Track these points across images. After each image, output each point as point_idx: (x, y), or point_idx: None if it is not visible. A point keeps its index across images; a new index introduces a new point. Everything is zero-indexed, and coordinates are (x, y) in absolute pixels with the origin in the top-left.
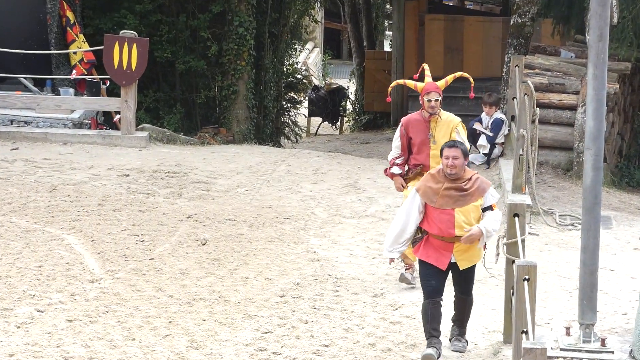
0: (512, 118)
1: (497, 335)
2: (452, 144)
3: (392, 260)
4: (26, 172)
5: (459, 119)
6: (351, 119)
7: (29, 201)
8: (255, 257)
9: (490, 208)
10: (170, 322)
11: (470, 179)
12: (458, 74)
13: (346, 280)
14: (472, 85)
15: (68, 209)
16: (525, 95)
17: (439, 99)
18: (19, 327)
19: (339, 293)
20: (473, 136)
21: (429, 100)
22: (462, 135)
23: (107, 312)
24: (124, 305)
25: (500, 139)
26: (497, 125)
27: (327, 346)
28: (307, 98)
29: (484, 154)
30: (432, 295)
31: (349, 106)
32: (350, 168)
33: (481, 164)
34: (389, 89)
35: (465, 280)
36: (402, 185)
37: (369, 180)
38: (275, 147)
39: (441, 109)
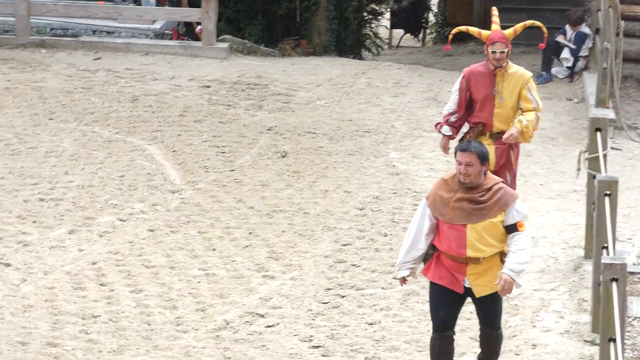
0: (597, 31)
1: (578, 250)
2: (465, 146)
3: (403, 280)
4: (108, 82)
5: (530, 74)
6: (433, 31)
7: (111, 111)
8: (334, 170)
9: (514, 228)
10: (250, 233)
11: (490, 188)
12: (529, 22)
13: (425, 194)
14: (545, 35)
15: (149, 119)
16: (610, 8)
17: (505, 50)
18: (101, 236)
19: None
20: (556, 49)
21: (494, 52)
22: (533, 94)
23: (188, 222)
24: (204, 216)
25: (584, 52)
26: (580, 38)
27: None
28: (389, 9)
29: (567, 67)
30: (441, 328)
31: (431, 18)
32: (431, 81)
33: (564, 77)
34: (450, 36)
35: (488, 311)
36: (447, 148)
37: (450, 94)
38: (356, 59)
39: (509, 62)
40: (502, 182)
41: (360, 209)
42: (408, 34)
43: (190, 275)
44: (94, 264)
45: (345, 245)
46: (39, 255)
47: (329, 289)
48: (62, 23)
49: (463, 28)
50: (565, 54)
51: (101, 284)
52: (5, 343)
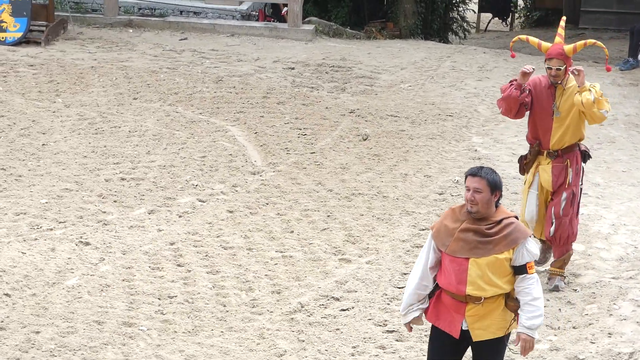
0: None
1: None
2: (476, 171)
3: (409, 327)
4: (193, 62)
5: (593, 84)
6: (522, 15)
7: (195, 92)
8: (415, 153)
9: (524, 269)
10: (328, 216)
11: (499, 222)
12: (590, 41)
13: (507, 180)
14: (607, 57)
15: (233, 100)
16: None
17: (562, 67)
18: (180, 217)
19: None
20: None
21: (549, 68)
22: (594, 93)
23: (267, 204)
24: (284, 198)
25: None
26: None
27: None
28: None
29: None
30: None
31: (520, 2)
32: (516, 65)
33: None
34: (511, 44)
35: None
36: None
37: None
38: (442, 42)
39: (571, 76)
40: (515, 217)
41: (440, 194)
42: (496, 18)
43: (267, 257)
44: (172, 244)
45: (423, 230)
46: (118, 234)
47: (405, 274)
48: (150, 3)
49: (523, 37)
50: None
51: (178, 265)
52: (82, 322)
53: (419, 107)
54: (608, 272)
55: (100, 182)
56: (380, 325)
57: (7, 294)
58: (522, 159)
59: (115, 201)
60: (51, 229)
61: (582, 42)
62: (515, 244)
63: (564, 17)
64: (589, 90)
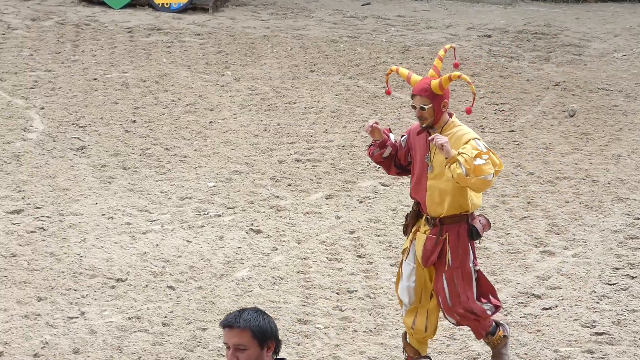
0: None
1: None
2: (231, 320)
3: None
4: (377, 30)
5: (473, 136)
6: None
7: (379, 63)
8: (630, 132)
9: None
10: (528, 202)
11: None
12: (455, 74)
13: None
14: (474, 96)
15: (421, 72)
16: None
17: (427, 107)
18: (361, 202)
19: None
20: None
21: (413, 107)
22: (463, 164)
23: None
24: None
25: None
26: None
27: None
28: None
29: None
30: None
31: None
32: None
33: None
34: (386, 78)
35: None
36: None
37: None
38: None
39: (451, 120)
40: None
41: None
42: None
43: None
44: (351, 232)
45: (638, 219)
46: (292, 221)
47: (616, 269)
48: None
49: (394, 68)
50: None
51: (359, 256)
52: None
53: (634, 79)
54: None
55: (273, 163)
56: (588, 327)
57: (170, 287)
58: (406, 218)
59: (289, 185)
60: (219, 215)
61: (447, 75)
62: None
63: (446, 46)
64: (457, 160)
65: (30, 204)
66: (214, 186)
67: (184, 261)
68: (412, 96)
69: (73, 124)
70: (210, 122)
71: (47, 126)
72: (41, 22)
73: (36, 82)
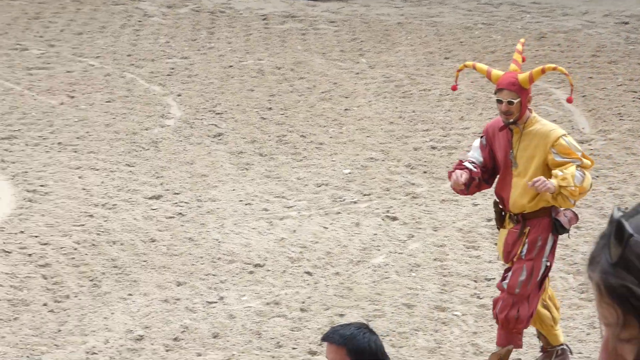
0: None
1: None
2: (329, 335)
3: None
4: (512, 17)
5: (560, 133)
6: None
7: (514, 50)
8: None
9: None
10: None
11: None
12: (549, 66)
13: None
14: (572, 87)
15: (558, 59)
16: None
17: (515, 101)
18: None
19: None
20: None
21: (499, 102)
22: (560, 157)
23: (597, 176)
24: (616, 170)
25: None
26: None
27: None
28: None
29: None
30: None
31: None
32: None
33: None
34: (457, 74)
35: None
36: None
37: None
38: None
39: (532, 115)
40: None
41: None
42: None
43: (597, 237)
44: (488, 220)
45: None
46: (428, 209)
47: None
48: None
49: (469, 64)
50: None
51: (496, 244)
52: (390, 305)
53: None
54: None
55: (409, 150)
56: None
57: (308, 272)
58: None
59: (425, 172)
60: (355, 202)
61: (540, 68)
62: None
63: (522, 40)
64: (561, 193)
65: (168, 190)
66: (350, 173)
67: (320, 247)
68: (498, 90)
69: (210, 111)
70: (346, 109)
71: (185, 113)
72: (177, 10)
73: (173, 69)
